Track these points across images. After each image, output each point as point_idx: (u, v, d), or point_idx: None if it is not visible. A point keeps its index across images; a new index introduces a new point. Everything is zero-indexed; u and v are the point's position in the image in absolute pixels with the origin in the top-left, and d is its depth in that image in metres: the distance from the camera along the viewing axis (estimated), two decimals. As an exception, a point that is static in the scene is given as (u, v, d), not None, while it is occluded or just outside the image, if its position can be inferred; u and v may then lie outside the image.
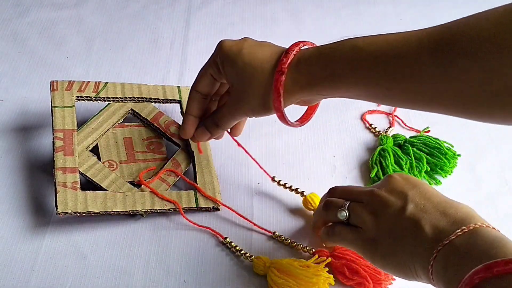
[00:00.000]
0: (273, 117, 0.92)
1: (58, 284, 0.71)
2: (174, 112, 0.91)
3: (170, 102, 0.88)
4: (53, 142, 0.79)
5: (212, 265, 0.73)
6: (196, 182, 0.80)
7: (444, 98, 0.60)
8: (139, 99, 0.86)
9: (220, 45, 0.73)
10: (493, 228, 0.58)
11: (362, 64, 0.63)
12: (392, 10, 1.14)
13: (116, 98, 0.85)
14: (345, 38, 0.66)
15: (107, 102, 0.85)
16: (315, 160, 0.86)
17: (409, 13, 1.13)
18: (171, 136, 0.85)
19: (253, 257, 0.73)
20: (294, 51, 0.68)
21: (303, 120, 0.77)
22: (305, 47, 0.70)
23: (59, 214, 0.72)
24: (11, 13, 1.09)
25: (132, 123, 0.86)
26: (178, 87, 0.90)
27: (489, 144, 0.89)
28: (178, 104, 0.88)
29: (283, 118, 0.70)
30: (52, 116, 0.81)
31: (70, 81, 0.85)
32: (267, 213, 0.80)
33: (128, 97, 0.86)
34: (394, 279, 0.72)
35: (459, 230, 0.57)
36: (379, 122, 0.92)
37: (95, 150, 0.82)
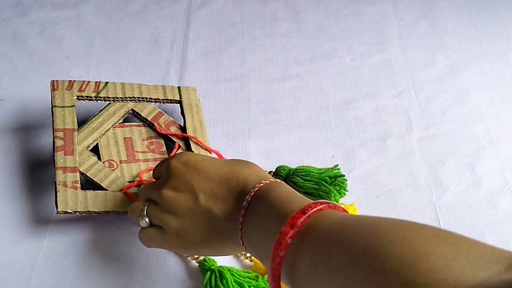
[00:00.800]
0: (274, 117, 0.92)
1: (58, 284, 0.71)
2: (174, 112, 0.91)
3: (171, 102, 0.88)
4: (53, 142, 0.79)
5: (212, 265, 0.73)
6: None
7: None
8: (139, 99, 0.86)
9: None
10: (266, 182, 0.61)
11: None
12: (392, 10, 1.14)
13: (117, 98, 0.85)
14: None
15: (107, 102, 0.86)
16: (315, 160, 0.86)
17: (409, 13, 1.13)
18: (171, 136, 0.85)
19: (253, 257, 0.73)
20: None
21: None
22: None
23: (59, 213, 0.73)
24: (11, 13, 1.09)
25: (132, 123, 0.86)
26: (178, 87, 0.90)
27: (489, 144, 0.89)
28: (178, 104, 0.88)
29: None
30: (53, 115, 0.82)
31: (70, 81, 0.85)
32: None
33: (129, 97, 0.86)
34: None
35: (245, 202, 0.60)
36: (379, 122, 0.92)
37: (95, 150, 0.82)
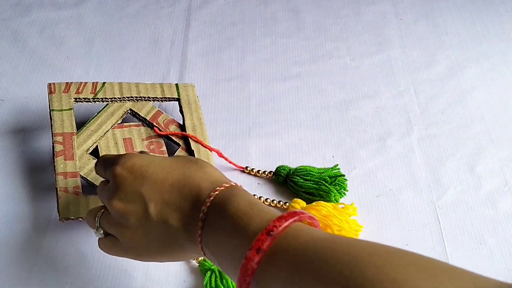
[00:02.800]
0: (274, 117, 0.92)
1: (58, 284, 0.71)
2: (173, 110, 0.91)
3: (169, 100, 0.88)
4: (53, 147, 0.79)
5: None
6: None
7: None
8: (137, 98, 0.86)
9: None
10: (221, 189, 0.57)
11: None
12: (392, 10, 1.14)
13: (114, 98, 0.85)
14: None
15: (105, 103, 0.85)
16: (315, 160, 0.86)
17: (409, 13, 1.13)
18: (171, 135, 0.85)
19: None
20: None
21: None
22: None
23: (61, 220, 0.73)
24: (11, 13, 1.09)
25: (131, 123, 0.86)
26: (176, 84, 0.90)
27: (489, 145, 0.90)
28: (177, 102, 0.88)
29: None
30: (51, 119, 0.82)
31: (67, 83, 0.85)
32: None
33: (126, 97, 0.86)
34: None
35: (201, 214, 0.57)
36: (379, 122, 0.92)
37: (95, 152, 0.82)
